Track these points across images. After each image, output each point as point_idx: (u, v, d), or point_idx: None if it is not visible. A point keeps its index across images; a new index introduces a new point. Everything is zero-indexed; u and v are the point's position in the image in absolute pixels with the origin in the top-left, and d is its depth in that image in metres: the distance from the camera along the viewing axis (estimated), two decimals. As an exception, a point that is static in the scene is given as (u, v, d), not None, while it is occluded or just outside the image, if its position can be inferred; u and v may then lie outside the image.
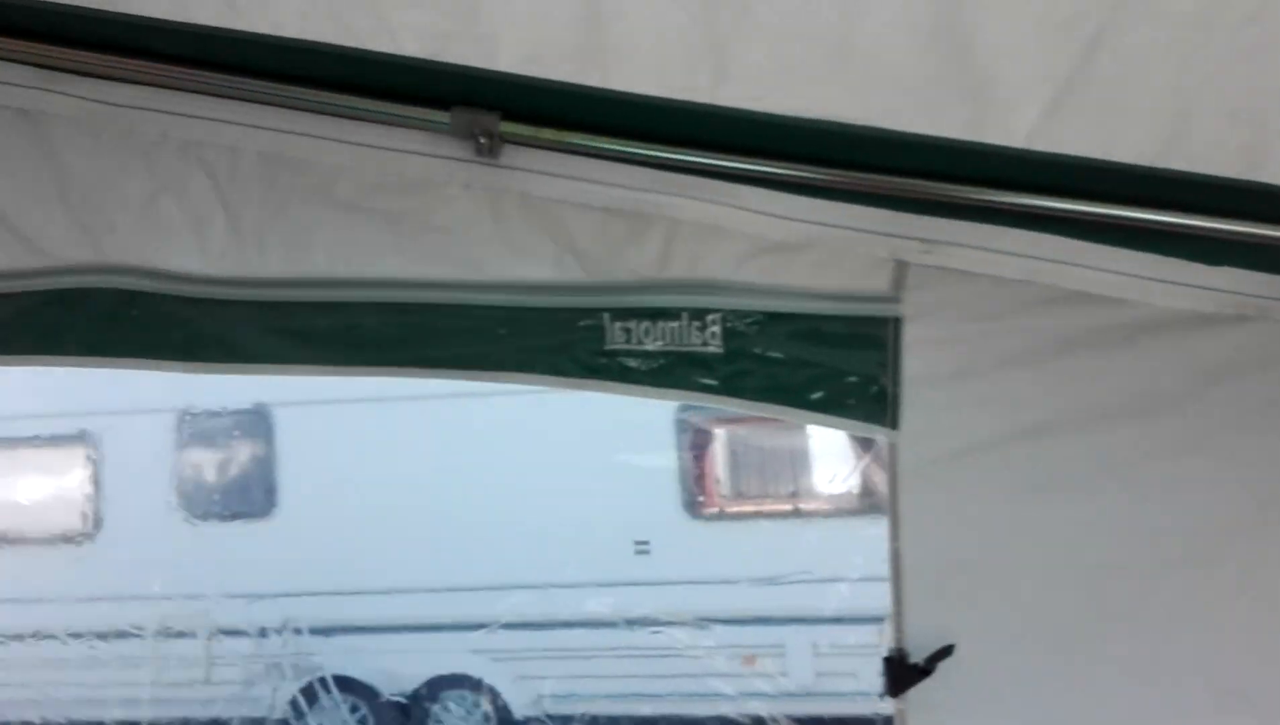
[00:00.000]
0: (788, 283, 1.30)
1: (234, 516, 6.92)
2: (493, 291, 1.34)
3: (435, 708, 6.79)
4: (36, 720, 6.48)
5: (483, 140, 1.29)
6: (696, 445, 6.87)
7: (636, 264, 1.33)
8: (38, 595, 6.76)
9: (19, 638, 6.68)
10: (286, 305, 1.34)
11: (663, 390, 1.33)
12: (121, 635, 6.64)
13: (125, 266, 1.33)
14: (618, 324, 1.33)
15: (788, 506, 6.99)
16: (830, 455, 7.21)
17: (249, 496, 6.93)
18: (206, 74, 1.30)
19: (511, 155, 1.32)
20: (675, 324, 1.32)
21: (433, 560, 6.61)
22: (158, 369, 1.36)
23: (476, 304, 1.34)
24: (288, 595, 6.60)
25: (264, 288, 1.34)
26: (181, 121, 1.31)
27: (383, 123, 1.31)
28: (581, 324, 1.34)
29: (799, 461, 7.07)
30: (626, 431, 6.61)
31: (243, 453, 7.03)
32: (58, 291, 1.34)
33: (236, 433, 6.96)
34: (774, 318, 1.31)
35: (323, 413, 6.44)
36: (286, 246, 1.34)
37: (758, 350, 1.31)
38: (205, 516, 6.96)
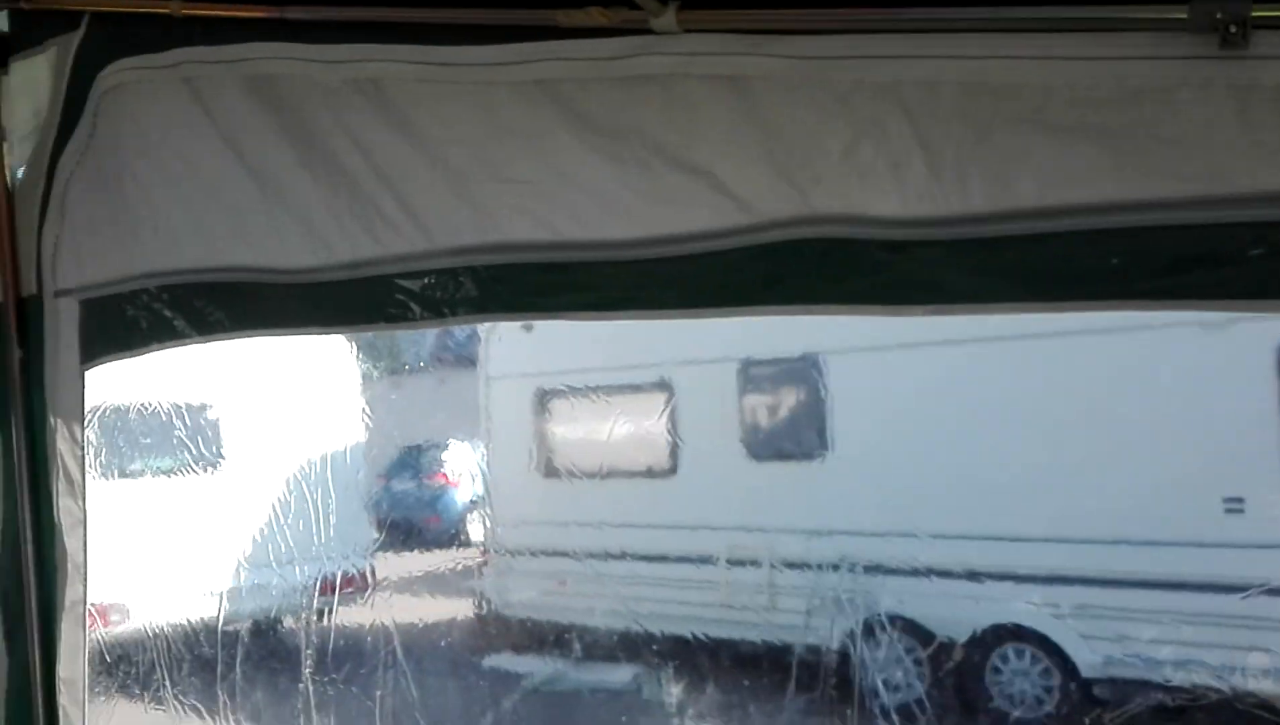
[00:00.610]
0: None
1: (790, 457, 7.32)
2: (1242, 206, 1.15)
3: (993, 657, 6.63)
4: (623, 628, 7.47)
5: (1232, 29, 1.10)
6: (1304, 386, 5.83)
7: None
8: (627, 521, 7.76)
9: (611, 557, 7.70)
10: (991, 241, 1.28)
11: None
12: (696, 561, 7.37)
13: (830, 216, 1.35)
14: None
15: None
16: None
17: (803, 438, 7.28)
18: (901, 11, 1.27)
19: (1264, 42, 1.11)
20: None
21: (991, 506, 6.42)
22: (862, 314, 1.39)
23: (1221, 222, 1.16)
24: (843, 533, 6.82)
25: (965, 225, 1.28)
26: (876, 64, 1.30)
27: (1100, 29, 1.19)
28: (1381, 238, 1.09)
29: None
30: (1214, 371, 5.82)
31: (797, 397, 7.40)
32: (767, 246, 1.40)
33: (791, 379, 7.34)
34: None
35: (871, 358, 6.53)
36: (989, 179, 1.27)
37: None
38: (765, 457, 7.45)
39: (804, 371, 7.12)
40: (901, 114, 1.31)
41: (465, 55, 1.56)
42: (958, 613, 6.53)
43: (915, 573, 6.59)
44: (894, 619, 6.79)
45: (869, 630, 6.81)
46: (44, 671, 2.01)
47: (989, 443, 6.24)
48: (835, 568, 6.91)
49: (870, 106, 1.32)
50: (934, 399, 6.36)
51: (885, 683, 6.68)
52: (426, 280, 1.63)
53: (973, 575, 6.39)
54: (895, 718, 6.46)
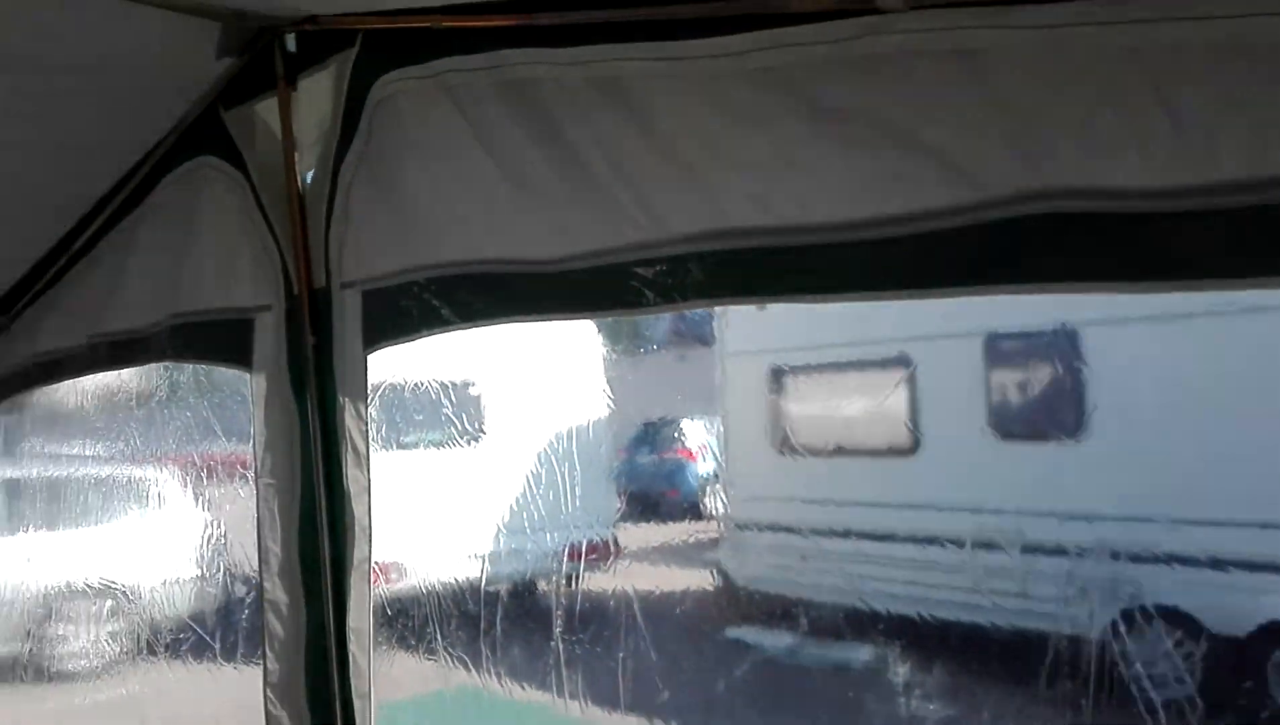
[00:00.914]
0: None
1: (1042, 436, 6.95)
2: None
3: (1276, 654, 6.04)
4: (855, 607, 7.37)
5: None
6: None
7: None
8: (866, 500, 7.65)
9: (850, 535, 7.62)
10: (1244, 211, 1.19)
11: None
12: (940, 542, 7.15)
13: (1067, 189, 1.30)
14: None
15: None
16: None
17: (1057, 417, 6.89)
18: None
19: None
20: None
21: (1271, 492, 5.83)
22: (1101, 292, 1.33)
23: None
24: (1102, 518, 6.42)
25: (1215, 195, 1.20)
26: (1117, 29, 1.23)
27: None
28: None
29: None
30: None
31: (1050, 373, 7.01)
32: (999, 222, 1.36)
33: (1043, 354, 6.96)
34: None
35: (1134, 330, 6.07)
36: (1243, 145, 1.18)
37: None
38: (1015, 436, 7.12)
39: (1058, 345, 6.72)
40: (1145, 80, 1.24)
41: (697, 48, 1.62)
42: (1232, 605, 6.00)
43: (1184, 561, 6.11)
44: (1160, 610, 6.32)
45: (1131, 620, 6.38)
46: (336, 622, 2.24)
47: (1269, 422, 5.66)
48: (1094, 554, 6.52)
49: (1110, 74, 1.27)
50: (1203, 373, 5.84)
51: (1151, 677, 6.24)
52: (659, 267, 1.71)
53: (1250, 566, 5.84)
54: (1163, 715, 6.03)
